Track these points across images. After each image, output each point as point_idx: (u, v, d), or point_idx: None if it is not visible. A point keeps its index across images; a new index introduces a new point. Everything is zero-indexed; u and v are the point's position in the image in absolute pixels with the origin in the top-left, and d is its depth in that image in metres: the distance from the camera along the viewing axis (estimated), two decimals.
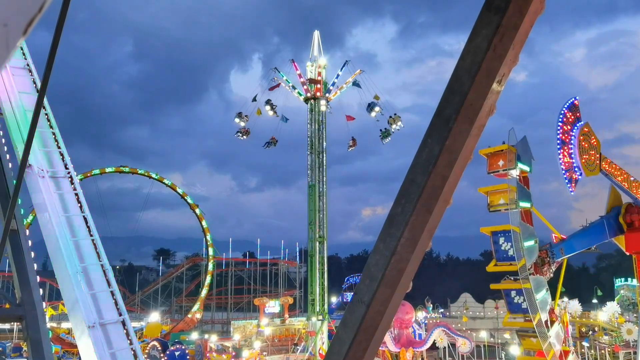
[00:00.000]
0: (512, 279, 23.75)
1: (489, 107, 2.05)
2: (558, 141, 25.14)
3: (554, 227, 26.70)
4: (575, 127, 25.54)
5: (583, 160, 25.28)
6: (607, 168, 26.92)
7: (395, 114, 43.78)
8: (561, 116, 25.25)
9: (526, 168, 24.14)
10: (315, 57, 46.23)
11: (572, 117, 25.76)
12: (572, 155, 25.03)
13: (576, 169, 25.10)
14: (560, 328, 24.97)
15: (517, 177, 23.62)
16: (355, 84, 45.01)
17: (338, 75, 45.59)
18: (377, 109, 43.48)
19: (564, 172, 25.06)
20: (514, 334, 46.36)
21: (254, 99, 44.12)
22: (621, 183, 27.23)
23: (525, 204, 23.91)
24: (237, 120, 43.90)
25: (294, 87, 45.28)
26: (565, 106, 25.78)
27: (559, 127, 25.16)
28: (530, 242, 23.70)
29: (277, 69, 45.61)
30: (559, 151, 25.09)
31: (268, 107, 43.82)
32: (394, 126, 43.48)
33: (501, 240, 23.61)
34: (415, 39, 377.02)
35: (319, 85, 44.98)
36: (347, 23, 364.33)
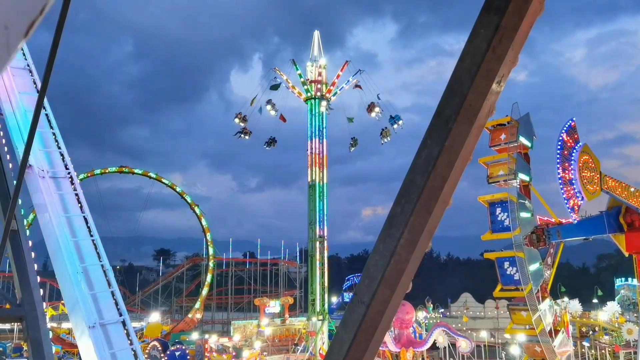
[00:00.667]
0: (519, 304, 23.85)
1: (489, 107, 2.05)
2: (558, 171, 25.12)
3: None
4: (574, 150, 25.46)
5: (585, 183, 25.29)
6: (608, 185, 26.80)
7: (396, 115, 43.75)
8: (559, 143, 25.22)
9: (527, 143, 24.09)
10: (315, 57, 46.23)
11: (571, 141, 25.72)
12: (574, 182, 25.02)
13: (578, 195, 25.09)
14: (550, 305, 24.78)
15: (518, 152, 23.62)
16: (357, 85, 44.97)
17: (339, 75, 45.56)
18: (377, 109, 43.45)
19: (565, 200, 25.08)
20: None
21: (254, 100, 44.11)
22: (622, 197, 27.13)
23: (524, 177, 23.86)
24: (236, 120, 43.89)
25: (294, 87, 45.28)
26: (564, 129, 25.71)
27: (558, 155, 25.11)
28: (536, 265, 23.74)
29: (277, 70, 45.62)
30: (559, 180, 25.09)
31: (269, 107, 43.80)
32: (395, 126, 43.46)
33: (506, 264, 23.71)
34: (416, 39, 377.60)
35: (319, 86, 44.98)
36: (348, 23, 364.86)
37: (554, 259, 31.57)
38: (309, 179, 44.56)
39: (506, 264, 23.73)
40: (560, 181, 25.04)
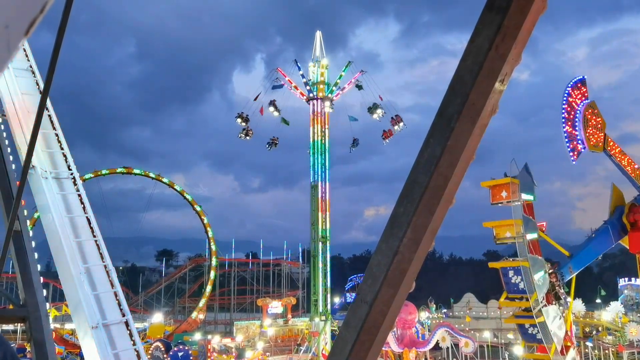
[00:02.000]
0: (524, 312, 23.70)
1: (492, 106, 2.05)
2: (563, 113, 25.01)
3: (558, 226, 26.74)
4: (582, 104, 25.50)
5: (588, 134, 25.19)
6: (612, 148, 26.81)
7: (397, 115, 43.74)
8: (566, 95, 25.23)
9: (530, 197, 24.15)
10: (317, 58, 46.24)
11: (579, 94, 25.71)
12: (577, 127, 24.94)
13: (580, 142, 25.00)
14: (557, 313, 24.61)
15: (522, 205, 23.65)
16: (358, 86, 44.96)
17: (341, 76, 45.57)
18: (379, 111, 43.41)
19: (567, 141, 24.97)
20: (517, 333, 46.34)
21: (255, 99, 44.13)
22: (622, 165, 27.09)
23: (532, 235, 23.90)
24: (238, 120, 43.91)
25: (296, 88, 45.29)
26: (570, 84, 25.75)
27: (564, 101, 25.11)
28: (540, 273, 23.65)
29: (279, 70, 45.65)
30: (563, 123, 24.99)
31: (272, 108, 43.83)
32: (396, 127, 43.44)
33: (511, 273, 23.70)
34: (418, 39, 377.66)
35: (321, 86, 44.99)
36: (350, 23, 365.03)
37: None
38: (311, 179, 44.59)
39: (511, 273, 23.73)
40: (563, 124, 24.94)
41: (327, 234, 43.65)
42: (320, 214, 43.25)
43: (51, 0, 0.71)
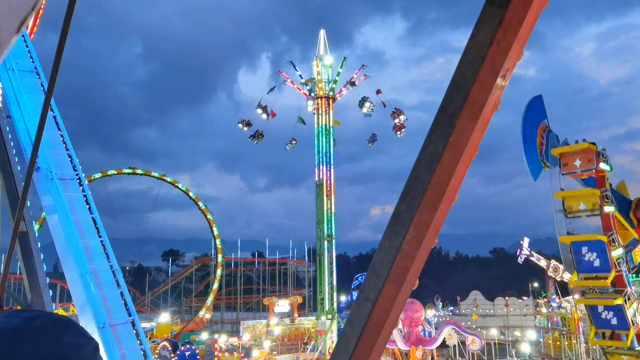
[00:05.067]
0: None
1: (494, 102, 2.04)
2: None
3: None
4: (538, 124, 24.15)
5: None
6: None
7: (396, 109, 43.82)
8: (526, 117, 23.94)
9: (607, 167, 21.84)
10: (321, 56, 46.24)
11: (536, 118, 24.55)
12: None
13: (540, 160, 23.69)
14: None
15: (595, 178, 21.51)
16: (351, 83, 44.97)
17: (339, 73, 45.51)
18: (367, 104, 43.47)
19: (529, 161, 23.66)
20: (524, 331, 46.25)
21: (259, 104, 44.29)
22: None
23: (609, 209, 21.55)
24: (240, 126, 44.15)
25: (302, 86, 45.33)
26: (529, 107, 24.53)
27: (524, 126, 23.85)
28: (619, 250, 21.38)
29: (285, 69, 45.74)
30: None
31: (260, 111, 44.07)
32: (396, 120, 43.49)
33: (584, 250, 21.27)
34: (425, 37, 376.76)
35: (319, 85, 45.02)
36: (356, 21, 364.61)
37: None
38: (316, 178, 44.61)
39: (584, 249, 21.06)
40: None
41: (333, 233, 43.62)
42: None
43: None
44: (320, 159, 44.16)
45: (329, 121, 44.29)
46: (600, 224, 21.59)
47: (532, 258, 48.75)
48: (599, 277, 20.86)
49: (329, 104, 44.73)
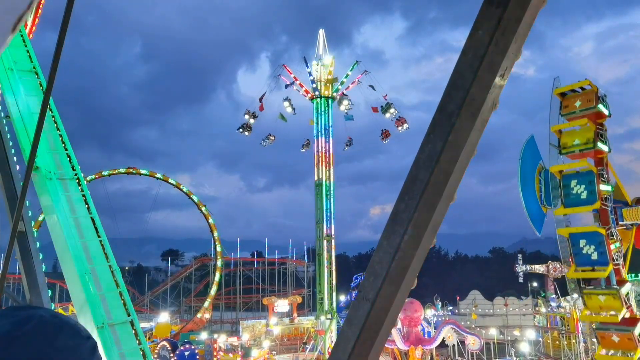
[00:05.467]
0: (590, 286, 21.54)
1: (492, 101, 2.04)
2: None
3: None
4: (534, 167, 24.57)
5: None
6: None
7: (386, 104, 43.93)
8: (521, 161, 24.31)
9: (605, 110, 21.75)
10: (320, 56, 46.25)
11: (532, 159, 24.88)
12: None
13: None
14: (630, 289, 21.92)
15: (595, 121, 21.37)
16: (371, 86, 45.09)
17: (347, 75, 45.64)
18: (392, 110, 43.57)
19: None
20: (523, 330, 46.30)
21: (261, 99, 44.26)
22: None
23: (603, 146, 21.50)
24: (246, 117, 44.12)
25: (301, 85, 45.33)
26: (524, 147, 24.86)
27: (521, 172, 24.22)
28: (616, 243, 21.21)
29: (283, 69, 45.71)
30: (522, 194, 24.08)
31: (287, 104, 44.10)
32: (399, 128, 43.64)
33: (582, 242, 21.24)
34: (424, 36, 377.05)
35: (322, 84, 45.07)
36: (356, 20, 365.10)
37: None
38: (316, 178, 44.60)
39: (582, 242, 21.05)
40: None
41: (332, 233, 43.62)
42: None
43: None
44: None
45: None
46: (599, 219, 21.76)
47: (530, 271, 49.47)
48: (597, 269, 20.70)
49: (328, 104, 44.75)
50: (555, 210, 22.55)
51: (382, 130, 45.17)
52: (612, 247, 20.66)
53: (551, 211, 23.04)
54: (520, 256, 56.12)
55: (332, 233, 43.72)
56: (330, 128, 44.83)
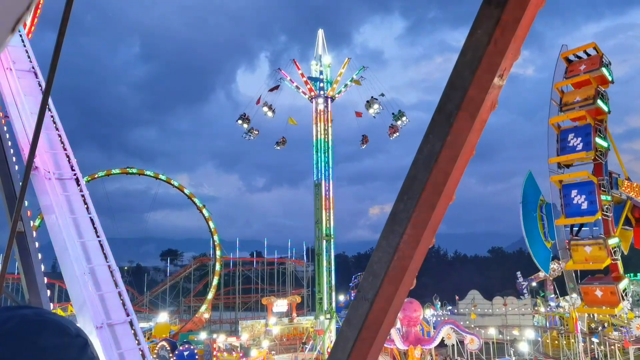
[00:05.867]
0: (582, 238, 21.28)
1: (491, 102, 2.04)
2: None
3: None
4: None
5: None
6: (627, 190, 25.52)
7: (400, 110, 43.67)
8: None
9: (609, 76, 22.17)
10: (319, 56, 46.23)
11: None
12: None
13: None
14: (618, 245, 21.85)
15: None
16: (355, 80, 44.95)
17: (341, 73, 45.52)
18: (375, 106, 43.30)
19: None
20: (522, 330, 46.34)
21: (258, 101, 44.18)
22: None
23: (603, 105, 21.73)
24: (239, 122, 43.99)
25: (298, 87, 45.29)
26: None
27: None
28: (607, 196, 21.36)
29: (280, 69, 45.67)
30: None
31: (266, 109, 43.92)
32: (399, 122, 43.40)
33: (574, 193, 21.31)
34: (423, 36, 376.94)
35: (321, 84, 45.01)
36: (355, 20, 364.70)
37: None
38: (314, 178, 44.59)
39: (574, 192, 21.18)
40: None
41: (332, 232, 43.66)
42: (324, 212, 43.28)
43: None
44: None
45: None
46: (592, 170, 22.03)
47: (532, 283, 49.89)
48: (586, 217, 21.13)
49: (327, 104, 44.72)
50: (556, 221, 22.72)
51: (362, 136, 45.26)
52: (603, 198, 20.84)
53: (552, 104, 23.09)
54: (519, 273, 56.47)
55: (332, 233, 43.73)
56: (330, 128, 44.81)
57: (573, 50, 22.56)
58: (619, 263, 21.36)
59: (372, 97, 43.55)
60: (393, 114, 43.53)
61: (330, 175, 44.38)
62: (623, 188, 24.41)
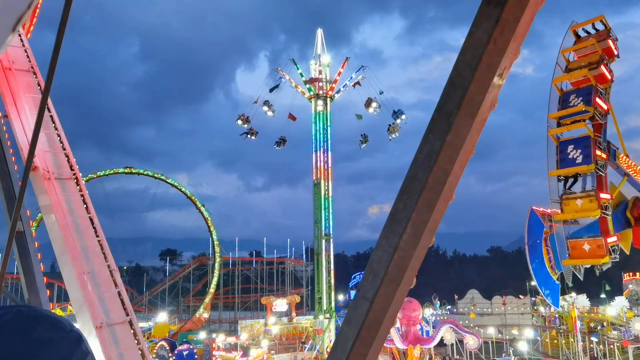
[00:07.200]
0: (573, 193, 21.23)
1: (491, 101, 2.04)
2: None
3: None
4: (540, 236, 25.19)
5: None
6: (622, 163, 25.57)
7: (398, 110, 43.61)
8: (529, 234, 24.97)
9: (615, 50, 22.68)
10: (318, 56, 46.20)
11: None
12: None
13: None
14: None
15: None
16: (356, 83, 44.88)
17: (340, 73, 45.48)
18: (374, 104, 43.24)
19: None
20: (521, 329, 46.37)
21: (257, 101, 44.14)
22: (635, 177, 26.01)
23: (605, 71, 22.00)
24: (239, 122, 43.94)
25: (297, 86, 45.26)
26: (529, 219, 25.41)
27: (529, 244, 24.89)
28: (603, 156, 21.40)
29: (279, 69, 45.65)
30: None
31: (266, 108, 43.87)
32: (398, 121, 43.31)
33: (570, 148, 21.56)
34: (423, 35, 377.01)
35: (321, 84, 44.96)
36: (355, 20, 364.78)
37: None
38: (314, 177, 44.57)
39: (570, 147, 21.44)
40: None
41: (331, 232, 43.61)
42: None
43: None
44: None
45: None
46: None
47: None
48: (579, 168, 21.15)
49: (326, 104, 44.71)
50: (550, 172, 22.56)
51: (361, 135, 45.23)
52: (598, 153, 20.93)
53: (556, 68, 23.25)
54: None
55: (331, 232, 43.70)
56: (329, 128, 44.79)
57: (582, 24, 22.93)
58: (609, 219, 21.40)
59: (369, 97, 43.57)
60: (394, 110, 43.53)
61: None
62: (620, 162, 24.50)
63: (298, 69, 45.33)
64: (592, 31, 23.19)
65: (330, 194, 43.78)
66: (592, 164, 20.72)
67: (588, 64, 22.07)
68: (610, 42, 22.20)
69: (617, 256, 21.51)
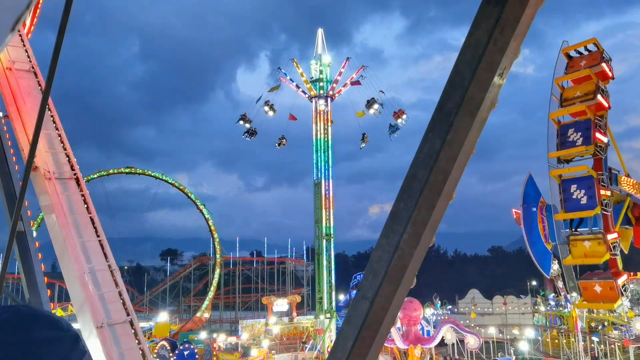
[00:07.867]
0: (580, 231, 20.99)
1: (491, 100, 2.04)
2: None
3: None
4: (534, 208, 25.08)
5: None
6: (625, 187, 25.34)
7: (395, 124, 43.49)
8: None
9: (609, 72, 22.15)
10: (319, 55, 46.20)
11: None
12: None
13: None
14: (617, 243, 21.50)
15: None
16: (356, 82, 44.84)
17: (341, 73, 45.46)
18: (375, 106, 43.15)
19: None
20: (522, 329, 46.34)
21: (258, 100, 44.15)
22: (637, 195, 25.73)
23: (603, 101, 21.54)
24: (241, 122, 43.92)
25: (297, 86, 45.27)
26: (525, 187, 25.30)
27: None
28: (607, 192, 21.16)
29: (280, 69, 45.67)
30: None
31: (267, 108, 43.84)
32: (399, 120, 43.24)
33: (573, 187, 21.18)
34: (423, 35, 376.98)
35: (321, 83, 44.96)
36: (355, 19, 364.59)
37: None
38: (314, 177, 44.58)
39: (573, 187, 21.07)
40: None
41: (332, 232, 43.66)
42: (324, 211, 43.27)
43: None
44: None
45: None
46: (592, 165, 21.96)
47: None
48: (585, 214, 20.89)
49: (326, 103, 44.72)
50: (555, 215, 22.64)
51: (362, 134, 45.14)
52: (602, 192, 20.76)
53: (552, 100, 23.18)
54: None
55: (332, 232, 43.70)
56: (329, 127, 44.79)
57: (574, 46, 22.58)
58: (618, 258, 21.28)
59: (372, 98, 43.47)
60: (394, 112, 43.48)
61: (330, 175, 44.34)
62: (622, 184, 24.39)
63: (299, 69, 45.32)
64: (585, 52, 22.92)
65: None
66: (598, 206, 20.48)
67: (584, 94, 21.78)
68: (604, 65, 21.93)
69: (617, 253, 21.42)
